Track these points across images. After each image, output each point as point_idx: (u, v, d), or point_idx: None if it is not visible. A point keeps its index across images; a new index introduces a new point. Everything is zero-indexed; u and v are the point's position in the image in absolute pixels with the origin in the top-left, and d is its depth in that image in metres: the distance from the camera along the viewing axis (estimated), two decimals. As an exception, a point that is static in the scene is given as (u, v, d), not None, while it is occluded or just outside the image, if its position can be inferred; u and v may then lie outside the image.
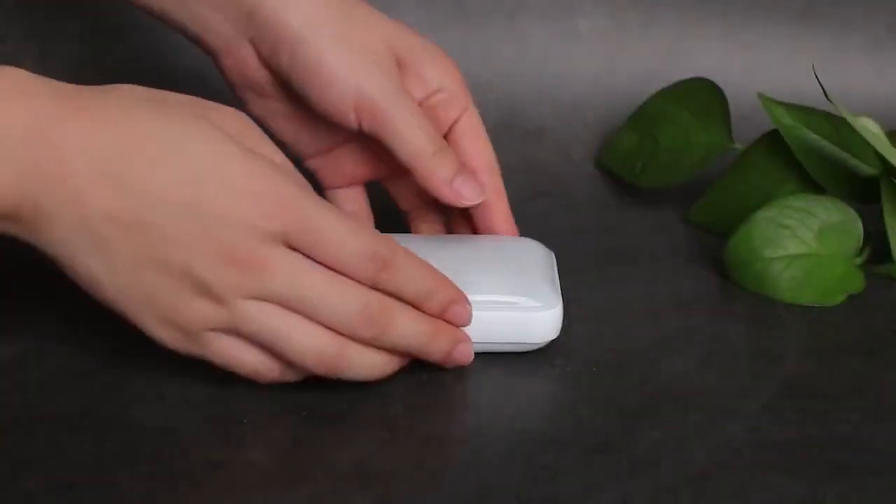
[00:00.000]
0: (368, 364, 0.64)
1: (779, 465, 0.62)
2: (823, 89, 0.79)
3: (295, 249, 0.62)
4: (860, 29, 0.99)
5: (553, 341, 0.72)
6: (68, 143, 0.60)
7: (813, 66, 0.83)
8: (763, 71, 0.98)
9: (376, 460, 0.62)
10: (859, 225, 0.80)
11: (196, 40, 0.75)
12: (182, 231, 0.61)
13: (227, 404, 0.65)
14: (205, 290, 0.61)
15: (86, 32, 0.91)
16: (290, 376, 0.65)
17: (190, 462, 0.61)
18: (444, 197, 0.73)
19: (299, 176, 0.65)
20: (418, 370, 0.69)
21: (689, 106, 0.89)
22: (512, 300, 0.69)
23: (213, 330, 0.62)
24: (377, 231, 0.65)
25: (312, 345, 0.63)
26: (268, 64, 0.74)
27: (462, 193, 0.73)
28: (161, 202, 0.60)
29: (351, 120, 0.73)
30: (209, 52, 0.75)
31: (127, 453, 0.61)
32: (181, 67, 0.91)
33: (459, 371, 0.69)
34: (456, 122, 0.76)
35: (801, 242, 0.79)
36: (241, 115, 0.65)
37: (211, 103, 0.64)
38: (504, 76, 0.95)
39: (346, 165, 0.78)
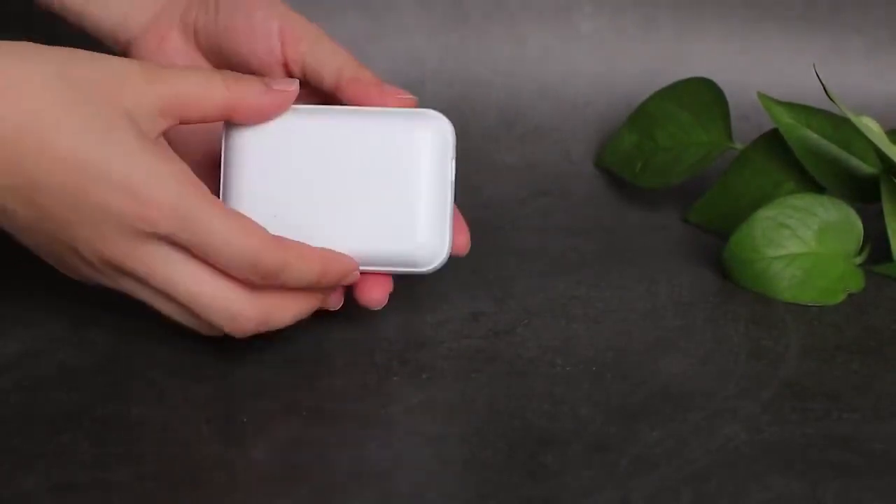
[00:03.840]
0: (286, 318, 0.66)
1: (779, 465, 0.62)
2: (825, 88, 0.79)
3: (179, 245, 0.63)
4: (859, 30, 0.99)
5: (553, 341, 0.72)
6: None
7: (814, 66, 0.83)
8: (763, 71, 0.98)
9: (376, 460, 0.62)
10: (859, 224, 0.80)
11: (110, 32, 0.75)
12: (65, 214, 0.62)
13: (227, 404, 0.65)
14: (96, 267, 0.64)
15: (86, 32, 0.91)
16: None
17: (190, 462, 0.61)
18: (377, 96, 0.71)
19: (193, 178, 0.64)
20: (418, 369, 0.69)
21: (688, 106, 0.89)
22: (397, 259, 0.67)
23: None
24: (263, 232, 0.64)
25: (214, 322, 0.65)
26: (194, 24, 0.73)
27: (397, 92, 0.72)
28: (46, 186, 0.62)
29: (274, 42, 0.71)
30: (121, 44, 0.75)
31: (127, 453, 0.61)
32: (181, 67, 0.91)
33: (459, 371, 0.69)
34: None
35: (802, 242, 0.79)
36: (158, 94, 0.64)
37: (134, 80, 0.63)
38: (504, 76, 0.95)
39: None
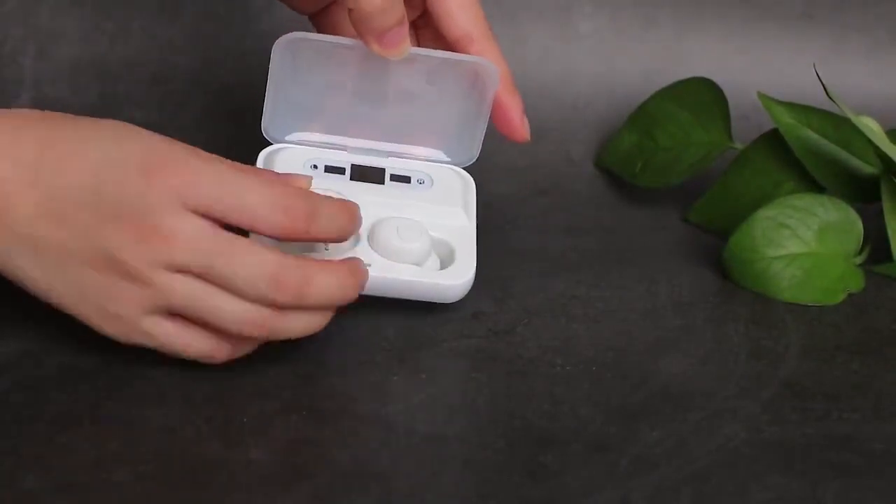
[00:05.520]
0: (303, 324, 0.65)
1: (779, 465, 0.62)
2: (825, 87, 0.79)
3: (208, 217, 0.63)
4: (859, 30, 0.99)
5: (553, 341, 0.72)
6: None
7: (814, 66, 0.83)
8: (763, 71, 0.98)
9: (376, 460, 0.62)
10: (859, 224, 0.80)
11: None
12: (95, 216, 0.62)
13: (227, 404, 0.65)
14: (126, 272, 0.63)
15: (86, 32, 0.91)
16: (244, 348, 0.66)
17: (190, 462, 0.61)
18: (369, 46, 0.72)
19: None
20: (418, 369, 0.69)
21: (688, 106, 0.89)
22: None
23: (150, 314, 0.64)
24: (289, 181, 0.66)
25: (240, 311, 0.63)
26: None
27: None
28: (72, 191, 0.63)
29: None
30: None
31: (127, 453, 0.61)
32: (181, 67, 0.92)
33: (459, 371, 0.69)
34: None
35: (802, 242, 0.79)
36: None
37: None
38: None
39: (340, 20, 0.78)
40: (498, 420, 0.65)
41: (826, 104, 0.82)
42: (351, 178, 0.75)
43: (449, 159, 0.77)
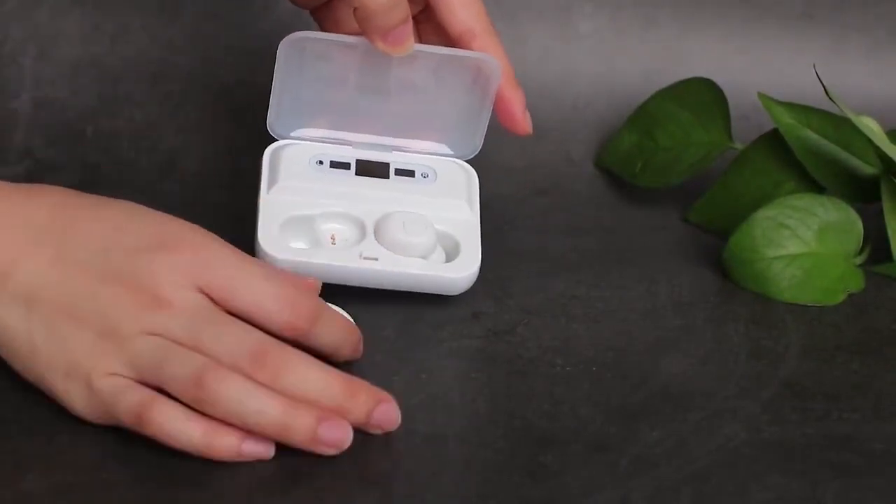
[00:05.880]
0: (255, 405, 0.60)
1: (779, 465, 0.62)
2: (825, 88, 0.79)
3: (212, 299, 0.63)
4: (859, 30, 0.99)
5: (553, 341, 0.72)
6: (10, 219, 0.64)
7: (814, 66, 0.83)
8: (763, 71, 0.98)
9: (376, 460, 0.62)
10: (859, 224, 0.80)
11: None
12: (98, 277, 0.62)
13: (227, 404, 0.65)
14: (107, 327, 0.62)
15: (86, 32, 0.91)
16: (218, 436, 0.61)
17: (190, 462, 0.61)
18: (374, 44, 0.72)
19: None
20: (418, 369, 0.69)
21: (689, 106, 0.89)
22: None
23: (113, 375, 0.61)
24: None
25: (192, 364, 0.61)
26: None
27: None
28: (80, 253, 0.63)
29: None
30: None
31: (127, 453, 0.61)
32: (181, 67, 0.91)
33: (459, 371, 0.69)
34: None
35: (802, 242, 0.79)
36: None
37: None
38: (504, 76, 0.95)
39: (342, 15, 0.77)
40: (498, 420, 0.65)
41: (826, 104, 0.82)
42: (356, 174, 0.75)
43: (452, 153, 0.77)
